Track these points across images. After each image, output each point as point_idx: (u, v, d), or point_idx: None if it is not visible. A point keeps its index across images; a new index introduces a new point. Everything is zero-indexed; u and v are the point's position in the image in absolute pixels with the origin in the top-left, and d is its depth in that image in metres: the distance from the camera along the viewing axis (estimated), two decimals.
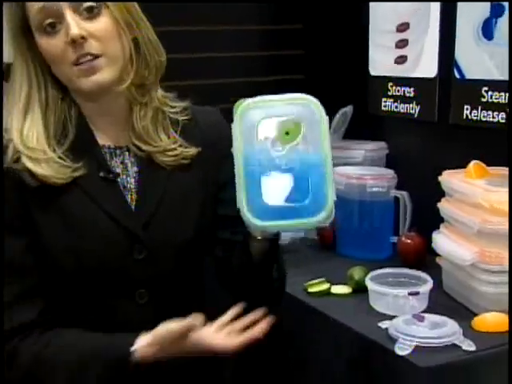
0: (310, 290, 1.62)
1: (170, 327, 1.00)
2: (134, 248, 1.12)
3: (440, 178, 1.56)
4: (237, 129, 0.98)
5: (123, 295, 1.12)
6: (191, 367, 1.17)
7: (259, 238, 1.06)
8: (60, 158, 1.09)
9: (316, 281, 1.65)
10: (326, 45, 2.33)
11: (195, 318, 1.00)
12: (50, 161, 1.08)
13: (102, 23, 1.07)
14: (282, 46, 2.40)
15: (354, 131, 2.12)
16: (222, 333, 1.03)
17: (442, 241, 1.55)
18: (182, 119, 1.19)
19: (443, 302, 1.51)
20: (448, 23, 1.77)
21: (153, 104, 1.17)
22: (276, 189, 0.97)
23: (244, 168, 0.97)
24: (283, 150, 0.97)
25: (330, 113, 2.12)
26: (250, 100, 0.99)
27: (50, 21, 1.04)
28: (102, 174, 1.12)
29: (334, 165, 1.88)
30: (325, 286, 1.63)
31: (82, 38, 1.04)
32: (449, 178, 1.55)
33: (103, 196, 1.12)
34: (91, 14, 1.06)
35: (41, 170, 1.07)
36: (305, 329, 1.61)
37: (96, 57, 1.06)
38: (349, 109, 2.11)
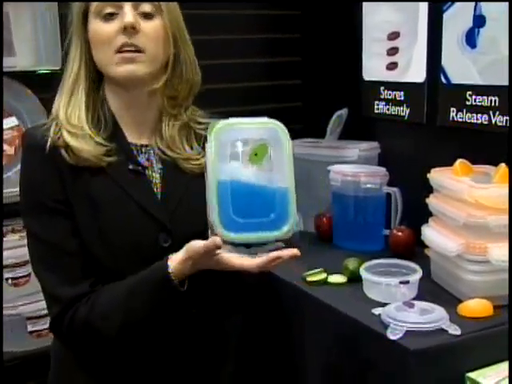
0: (309, 279, 1.64)
1: (198, 244, 1.02)
2: (160, 236, 1.13)
3: (428, 176, 1.57)
4: (211, 148, 1.02)
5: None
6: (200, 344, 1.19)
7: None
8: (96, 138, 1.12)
9: (314, 271, 1.67)
10: (322, 52, 2.34)
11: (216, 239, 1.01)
12: (87, 137, 1.11)
13: (154, 25, 1.12)
14: (281, 54, 2.41)
15: (349, 132, 2.13)
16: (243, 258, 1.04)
17: (430, 233, 1.56)
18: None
19: (431, 290, 1.53)
20: (435, 33, 1.78)
21: (182, 117, 1.20)
22: (244, 204, 1.02)
23: (216, 184, 1.01)
24: (252, 169, 1.02)
25: (327, 115, 2.19)
26: (223, 122, 1.03)
27: (110, 10, 1.10)
28: (130, 167, 1.15)
29: (331, 163, 1.94)
30: (322, 276, 1.65)
31: (134, 28, 1.09)
32: (437, 176, 1.56)
33: (132, 186, 1.13)
34: (146, 17, 1.12)
35: (78, 143, 1.09)
36: (304, 315, 1.63)
37: (138, 51, 1.10)
38: (344, 111, 2.12)
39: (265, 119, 1.05)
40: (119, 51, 1.10)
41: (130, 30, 1.09)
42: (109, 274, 1.12)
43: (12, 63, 1.80)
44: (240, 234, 1.01)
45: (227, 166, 1.02)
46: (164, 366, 1.16)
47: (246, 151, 1.02)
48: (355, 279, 1.60)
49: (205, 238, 1.11)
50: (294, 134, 2.23)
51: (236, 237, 1.02)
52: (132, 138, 1.18)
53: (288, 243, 1.92)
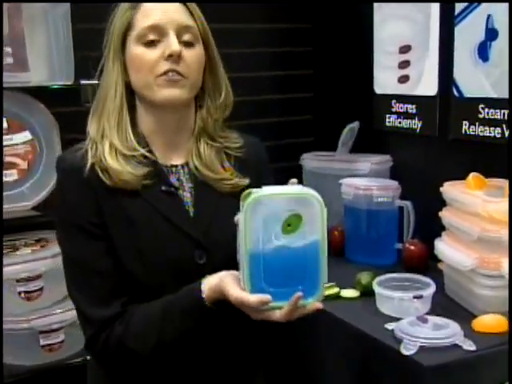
0: None
1: (228, 291, 1.02)
2: (195, 253, 1.14)
3: (441, 189, 1.57)
4: (245, 221, 1.00)
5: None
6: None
7: None
8: (136, 159, 1.14)
9: (327, 285, 1.65)
10: (334, 65, 2.35)
11: (256, 300, 1.00)
12: (130, 157, 1.13)
13: (195, 53, 1.14)
14: (292, 67, 2.41)
15: (361, 145, 2.13)
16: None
17: (444, 247, 1.55)
18: (238, 155, 1.24)
19: (445, 305, 1.52)
20: (447, 46, 1.78)
21: (218, 138, 1.22)
22: (276, 275, 1.01)
23: (250, 257, 1.00)
24: (285, 239, 1.00)
25: (339, 128, 2.18)
26: (256, 194, 1.00)
27: (152, 37, 1.11)
28: (163, 188, 1.16)
29: (343, 176, 1.94)
30: (335, 290, 1.64)
31: (179, 56, 1.11)
32: (450, 189, 1.55)
33: (166, 207, 1.15)
34: (188, 45, 1.13)
35: (119, 166, 1.11)
36: (316, 330, 1.62)
37: (181, 77, 1.12)
38: (355, 124, 2.12)
39: (300, 189, 1.03)
40: (162, 75, 1.12)
41: (176, 57, 1.10)
42: (145, 292, 1.13)
43: (26, 78, 1.81)
44: (271, 304, 1.01)
45: (259, 237, 1.00)
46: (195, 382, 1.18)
47: (279, 222, 1.00)
48: (368, 293, 1.59)
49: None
50: (305, 147, 2.28)
51: (267, 307, 1.02)
52: (163, 158, 1.19)
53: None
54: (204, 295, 1.06)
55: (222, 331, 1.15)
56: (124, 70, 1.16)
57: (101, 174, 1.12)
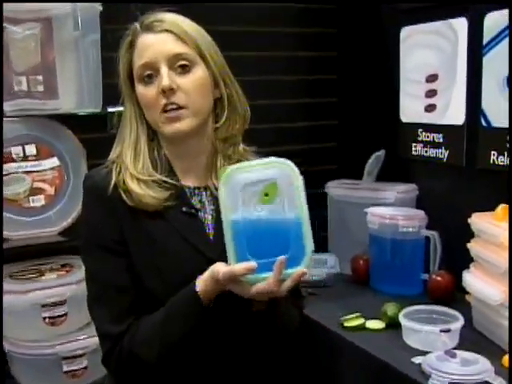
0: (346, 324, 1.61)
1: (219, 266, 1.05)
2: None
3: (469, 220, 1.55)
4: (222, 194, 1.05)
5: None
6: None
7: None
8: (157, 183, 1.16)
9: (352, 315, 1.64)
10: (359, 93, 2.35)
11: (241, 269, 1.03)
12: (150, 182, 1.16)
13: (193, 79, 1.15)
14: (318, 94, 2.42)
15: (386, 174, 2.11)
16: None
17: (472, 280, 1.53)
18: None
19: (473, 339, 1.49)
20: (474, 75, 1.77)
21: (235, 156, 1.23)
22: (260, 244, 1.03)
23: (231, 228, 1.04)
24: (263, 209, 1.03)
25: (364, 156, 2.17)
26: (232, 167, 1.06)
27: (148, 73, 1.15)
28: (184, 209, 1.18)
29: (368, 205, 1.93)
30: (360, 321, 1.62)
31: (171, 89, 1.13)
32: (477, 220, 1.53)
33: (186, 228, 1.17)
34: (184, 70, 1.15)
35: (141, 190, 1.14)
36: (340, 361, 1.60)
37: (181, 107, 1.14)
38: (381, 153, 2.11)
39: (272, 159, 1.06)
40: (164, 111, 1.14)
41: (169, 91, 1.12)
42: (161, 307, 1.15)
43: (56, 106, 1.84)
44: (257, 275, 1.02)
45: (240, 210, 1.03)
46: None
47: (256, 193, 1.03)
48: (394, 325, 1.57)
49: None
50: (329, 175, 2.27)
51: (254, 278, 1.03)
52: (185, 180, 1.22)
53: (321, 284, 1.91)
54: (198, 289, 1.08)
55: (224, 334, 1.17)
56: (138, 106, 1.19)
57: (123, 195, 1.15)
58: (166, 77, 1.12)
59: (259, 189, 1.03)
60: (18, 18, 1.77)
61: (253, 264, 1.01)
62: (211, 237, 1.19)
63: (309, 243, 1.03)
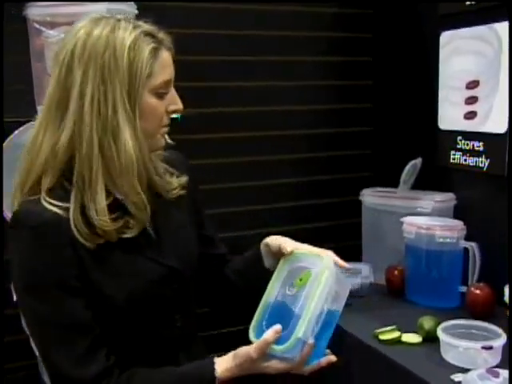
0: (381, 337, 1.56)
1: (247, 348, 1.11)
2: (172, 280, 1.20)
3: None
4: (276, 272, 1.22)
5: (164, 322, 1.20)
6: None
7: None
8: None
9: (387, 328, 1.58)
10: (396, 99, 2.29)
11: (271, 334, 1.10)
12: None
13: None
14: (353, 100, 2.36)
15: (423, 182, 2.05)
16: None
17: None
18: (167, 155, 1.31)
19: None
20: None
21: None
22: (274, 320, 1.15)
23: (267, 298, 1.19)
24: (294, 291, 1.16)
25: (400, 164, 2.11)
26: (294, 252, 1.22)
27: (165, 90, 1.17)
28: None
29: (404, 214, 1.87)
30: (395, 334, 1.56)
31: None
32: None
33: (142, 246, 1.18)
34: None
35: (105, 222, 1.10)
36: (375, 376, 1.54)
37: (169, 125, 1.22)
38: (418, 161, 2.04)
39: (321, 251, 1.21)
40: (164, 126, 1.20)
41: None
42: (125, 326, 1.14)
43: None
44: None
45: (279, 287, 1.19)
46: None
47: (295, 275, 1.19)
48: (431, 339, 1.51)
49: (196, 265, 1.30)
50: (364, 182, 2.22)
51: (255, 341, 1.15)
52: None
53: (356, 294, 1.85)
54: (217, 374, 1.11)
55: None
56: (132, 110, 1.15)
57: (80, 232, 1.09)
58: (180, 101, 1.19)
59: (298, 274, 1.18)
60: (54, 21, 1.76)
61: (279, 326, 1.11)
62: (154, 238, 1.20)
63: (295, 337, 1.10)
